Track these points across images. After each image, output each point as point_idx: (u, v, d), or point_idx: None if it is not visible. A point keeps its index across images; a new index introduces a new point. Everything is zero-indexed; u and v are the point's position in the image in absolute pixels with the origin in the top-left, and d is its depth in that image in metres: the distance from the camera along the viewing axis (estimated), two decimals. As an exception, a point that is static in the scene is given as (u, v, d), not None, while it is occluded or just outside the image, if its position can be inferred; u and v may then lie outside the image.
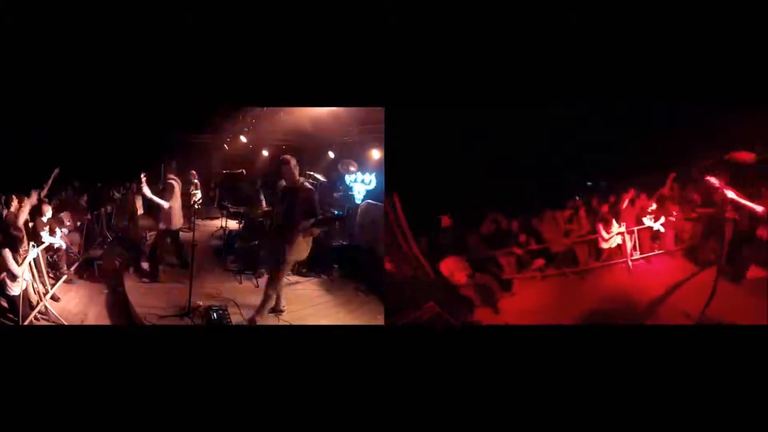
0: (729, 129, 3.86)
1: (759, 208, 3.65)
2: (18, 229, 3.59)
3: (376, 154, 5.91)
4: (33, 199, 4.07)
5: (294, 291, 4.47)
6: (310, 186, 3.75)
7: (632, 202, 4.96)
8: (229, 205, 6.24)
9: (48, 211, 4.21)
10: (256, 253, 4.98)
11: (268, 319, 3.82)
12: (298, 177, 3.76)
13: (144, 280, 4.53)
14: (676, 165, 4.90)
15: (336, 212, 5.53)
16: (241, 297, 4.19)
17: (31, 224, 4.02)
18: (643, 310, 3.81)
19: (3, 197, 4.07)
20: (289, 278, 4.82)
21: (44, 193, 4.29)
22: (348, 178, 6.32)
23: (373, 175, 6.22)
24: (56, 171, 4.34)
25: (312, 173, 6.73)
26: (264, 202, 6.08)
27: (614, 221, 4.77)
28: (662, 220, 4.86)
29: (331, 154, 6.91)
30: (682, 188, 5.04)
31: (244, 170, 6.25)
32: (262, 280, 4.67)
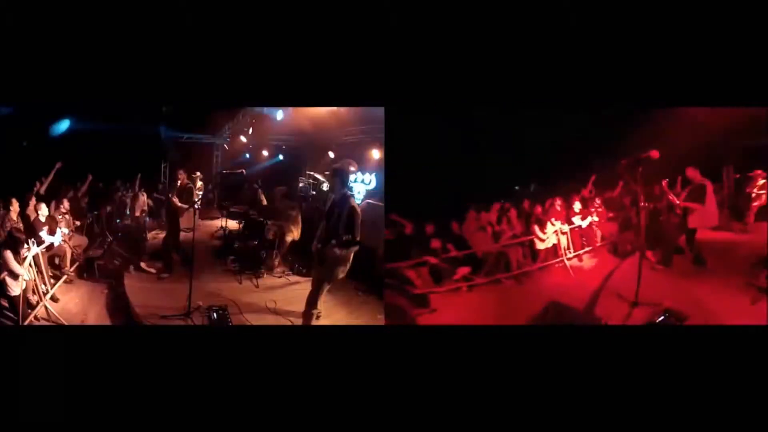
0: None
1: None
2: (18, 229, 3.59)
3: (376, 154, 5.91)
4: (32, 198, 4.07)
5: (294, 291, 4.47)
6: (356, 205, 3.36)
7: (565, 202, 5.14)
8: (229, 205, 6.25)
9: (45, 210, 4.21)
10: (256, 253, 4.98)
11: (268, 319, 3.82)
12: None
13: (163, 275, 4.63)
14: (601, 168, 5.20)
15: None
16: (241, 297, 4.18)
17: (31, 223, 4.02)
18: (585, 304, 3.83)
19: (2, 198, 4.07)
20: (288, 278, 4.85)
21: (43, 189, 4.30)
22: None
23: (374, 175, 6.22)
24: (58, 165, 4.37)
25: (312, 173, 6.77)
26: (264, 202, 6.10)
27: (550, 222, 4.80)
28: (589, 219, 5.13)
29: (331, 154, 6.92)
30: (603, 191, 5.47)
31: (244, 170, 6.27)
32: (262, 280, 4.69)
